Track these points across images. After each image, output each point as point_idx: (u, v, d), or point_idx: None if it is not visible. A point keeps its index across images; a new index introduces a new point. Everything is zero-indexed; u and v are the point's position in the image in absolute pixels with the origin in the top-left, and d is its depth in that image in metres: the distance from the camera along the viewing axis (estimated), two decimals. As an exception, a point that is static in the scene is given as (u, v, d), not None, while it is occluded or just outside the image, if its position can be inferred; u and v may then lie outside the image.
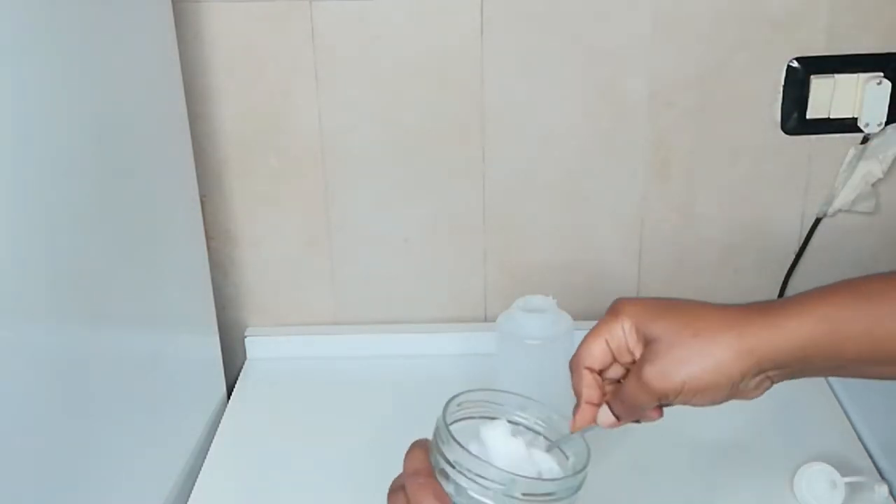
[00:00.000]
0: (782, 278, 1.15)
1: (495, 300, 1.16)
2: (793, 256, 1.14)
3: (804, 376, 0.68)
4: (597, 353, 0.70)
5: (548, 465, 0.68)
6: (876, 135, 1.07)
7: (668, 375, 0.66)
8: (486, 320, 1.17)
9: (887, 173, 1.08)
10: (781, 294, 1.15)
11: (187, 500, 0.94)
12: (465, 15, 1.04)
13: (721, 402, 0.68)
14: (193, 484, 0.96)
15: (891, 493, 0.91)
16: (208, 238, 1.10)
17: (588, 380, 0.71)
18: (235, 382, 1.13)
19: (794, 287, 1.15)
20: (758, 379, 0.67)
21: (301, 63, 1.06)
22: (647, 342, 0.68)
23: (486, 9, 1.04)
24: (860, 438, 0.99)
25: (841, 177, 1.10)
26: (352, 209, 1.13)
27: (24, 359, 0.67)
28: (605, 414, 0.70)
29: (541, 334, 0.91)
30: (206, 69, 1.06)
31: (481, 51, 1.05)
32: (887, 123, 1.06)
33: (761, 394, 0.68)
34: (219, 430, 1.04)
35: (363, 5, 1.04)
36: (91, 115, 0.78)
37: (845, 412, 1.03)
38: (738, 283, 1.16)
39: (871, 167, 1.08)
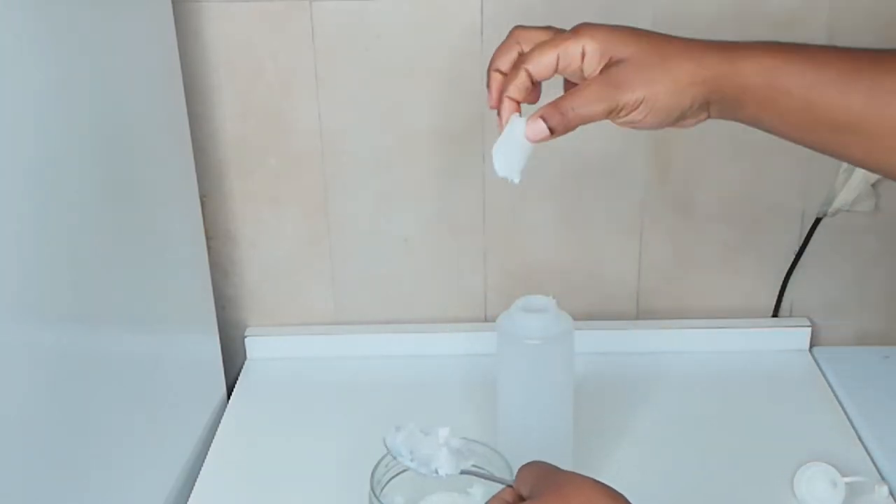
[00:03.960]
0: (782, 278, 1.15)
1: (495, 300, 1.16)
2: (793, 256, 1.14)
3: (738, 120, 0.72)
4: (544, 63, 0.71)
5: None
6: (876, 135, 1.07)
7: (633, 86, 0.69)
8: (486, 320, 1.16)
9: (887, 173, 1.08)
10: (781, 293, 1.15)
11: (187, 500, 0.94)
12: (465, 15, 1.04)
13: (663, 127, 0.72)
14: (193, 484, 0.96)
15: (891, 493, 0.91)
16: (208, 238, 1.10)
17: (522, 81, 0.71)
18: (235, 382, 1.13)
19: (794, 287, 1.15)
20: (700, 109, 0.71)
21: (301, 63, 1.06)
22: (613, 63, 0.70)
23: (486, 8, 1.04)
24: (860, 438, 0.99)
25: (841, 177, 1.10)
26: (352, 209, 1.13)
27: (24, 359, 0.67)
28: (536, 125, 0.70)
29: (541, 334, 0.91)
30: (206, 69, 1.06)
31: (481, 50, 1.05)
32: (887, 123, 1.06)
33: (695, 125, 0.73)
34: (219, 430, 1.04)
35: (363, 5, 1.04)
36: (91, 116, 0.78)
37: (845, 412, 1.03)
38: (738, 283, 1.16)
39: (871, 167, 1.08)
